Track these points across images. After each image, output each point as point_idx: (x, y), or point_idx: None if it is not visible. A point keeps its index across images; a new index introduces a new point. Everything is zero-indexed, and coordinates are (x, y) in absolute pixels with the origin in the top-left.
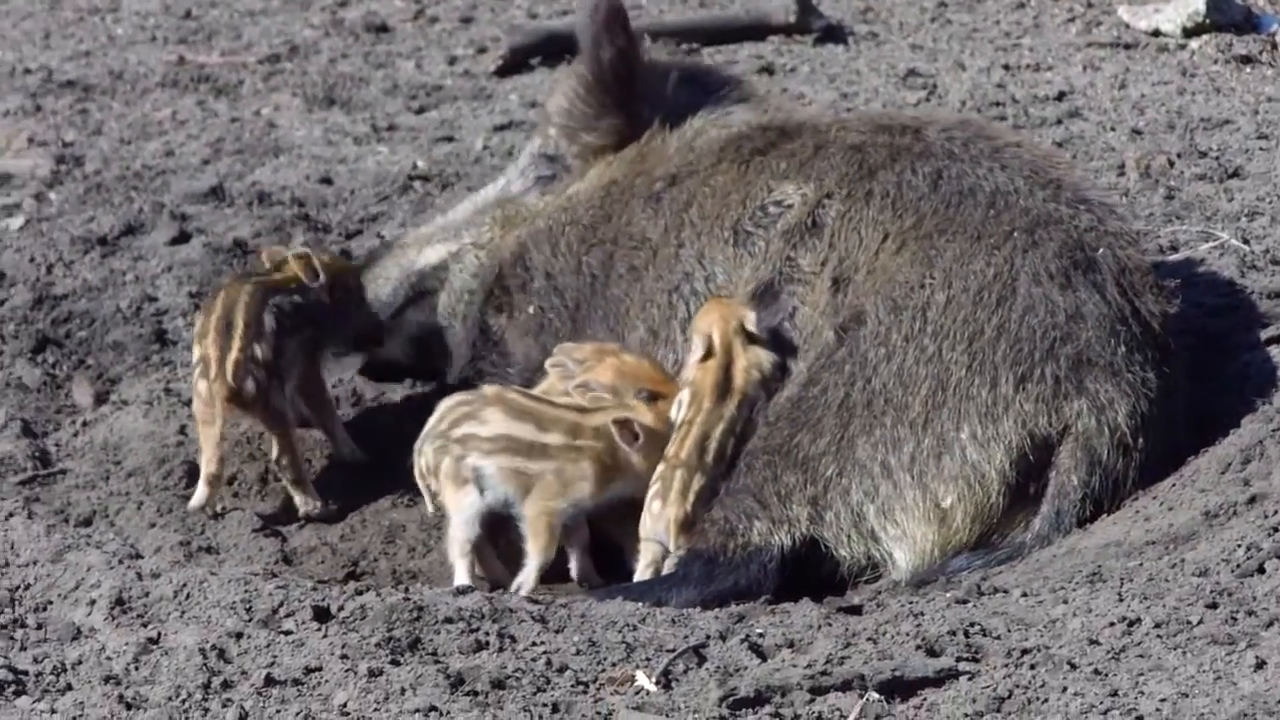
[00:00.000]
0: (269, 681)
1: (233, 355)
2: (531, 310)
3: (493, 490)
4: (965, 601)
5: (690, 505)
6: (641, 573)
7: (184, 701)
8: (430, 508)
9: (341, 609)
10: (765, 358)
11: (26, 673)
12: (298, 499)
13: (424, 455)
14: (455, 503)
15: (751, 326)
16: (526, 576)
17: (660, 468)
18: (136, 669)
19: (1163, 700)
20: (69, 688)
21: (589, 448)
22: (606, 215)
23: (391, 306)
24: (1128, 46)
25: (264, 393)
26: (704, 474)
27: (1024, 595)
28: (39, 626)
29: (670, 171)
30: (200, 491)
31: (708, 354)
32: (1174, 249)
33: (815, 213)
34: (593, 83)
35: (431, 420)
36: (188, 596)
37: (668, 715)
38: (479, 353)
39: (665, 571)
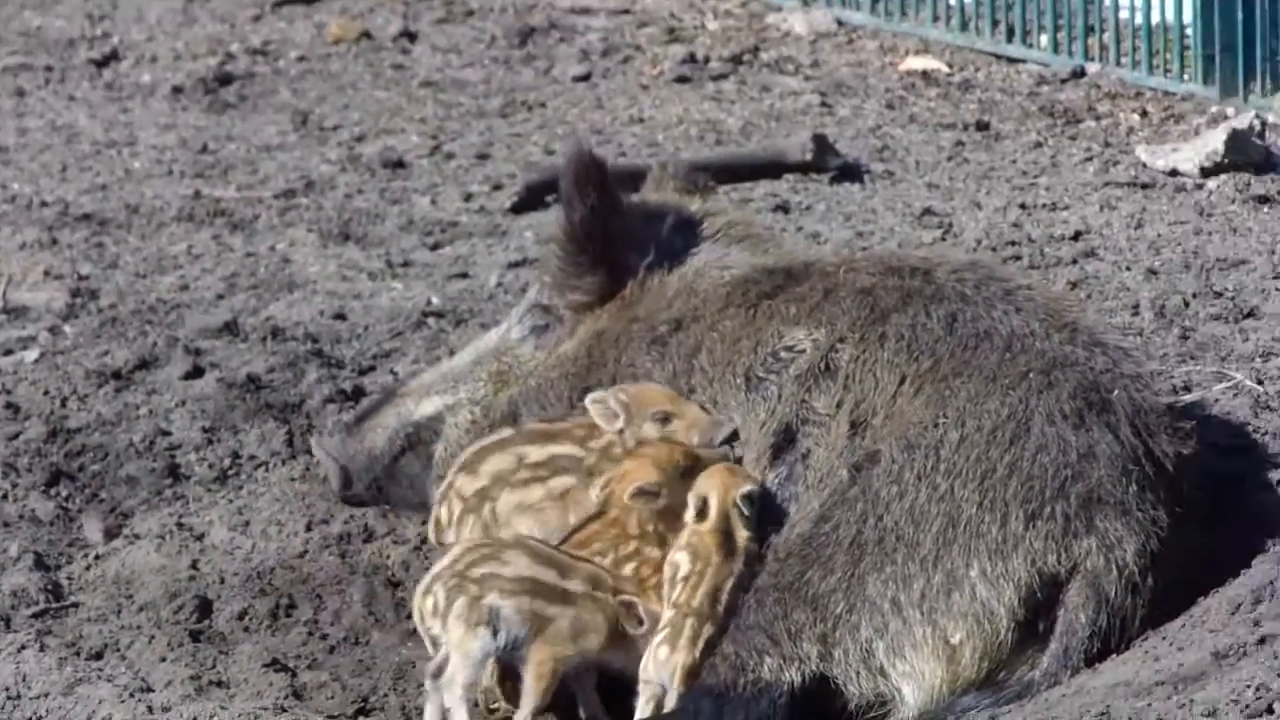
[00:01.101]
0: None
1: None
2: None
3: (506, 631)
4: None
5: (699, 653)
6: (642, 709)
7: None
8: (430, 650)
9: None
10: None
11: None
12: None
13: (433, 595)
14: (466, 644)
15: (746, 509)
16: (521, 719)
17: (670, 614)
18: None
19: None
20: None
21: (606, 603)
22: (600, 362)
23: (387, 456)
24: (1145, 186)
25: None
26: (714, 623)
27: None
28: None
29: (674, 316)
30: None
31: (700, 515)
32: (1188, 389)
33: (829, 357)
34: (567, 242)
35: (444, 561)
36: None
37: None
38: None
39: (672, 707)
